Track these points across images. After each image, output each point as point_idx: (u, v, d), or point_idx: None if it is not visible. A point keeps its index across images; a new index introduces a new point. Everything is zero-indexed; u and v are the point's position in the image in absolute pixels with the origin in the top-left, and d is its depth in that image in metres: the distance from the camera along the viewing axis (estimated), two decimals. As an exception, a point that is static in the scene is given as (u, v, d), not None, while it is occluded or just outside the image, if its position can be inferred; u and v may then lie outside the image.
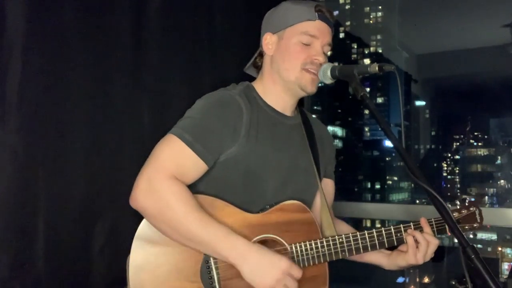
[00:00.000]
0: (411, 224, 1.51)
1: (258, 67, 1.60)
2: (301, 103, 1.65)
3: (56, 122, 1.80)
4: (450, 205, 1.61)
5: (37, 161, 1.73)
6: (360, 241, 1.46)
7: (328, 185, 1.71)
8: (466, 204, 1.61)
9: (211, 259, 1.36)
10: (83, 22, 1.89)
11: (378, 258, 1.60)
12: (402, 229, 1.51)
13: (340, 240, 1.45)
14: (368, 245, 1.47)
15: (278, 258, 1.31)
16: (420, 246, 1.47)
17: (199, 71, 2.41)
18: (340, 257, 1.46)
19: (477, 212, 1.61)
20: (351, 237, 1.46)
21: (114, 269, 1.93)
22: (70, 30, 1.84)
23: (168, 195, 1.29)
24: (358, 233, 1.47)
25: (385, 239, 1.49)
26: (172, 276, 1.35)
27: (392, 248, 1.56)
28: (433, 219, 1.54)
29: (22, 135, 1.67)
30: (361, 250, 1.47)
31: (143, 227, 1.36)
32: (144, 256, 1.35)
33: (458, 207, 1.61)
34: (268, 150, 1.46)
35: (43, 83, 1.75)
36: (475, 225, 1.62)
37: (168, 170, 1.32)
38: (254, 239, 1.39)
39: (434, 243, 1.48)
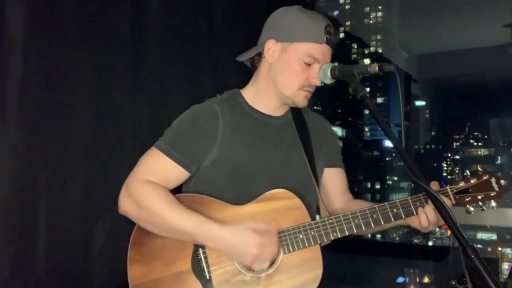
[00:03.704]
0: (421, 196, 1.46)
1: (254, 67, 1.60)
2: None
3: (57, 121, 1.80)
4: (459, 176, 1.53)
5: (37, 160, 1.73)
6: (352, 220, 1.45)
7: (336, 174, 1.71)
8: (478, 173, 1.50)
9: (200, 249, 1.42)
10: (83, 22, 1.89)
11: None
12: (399, 204, 1.46)
13: (330, 221, 1.45)
14: (362, 223, 1.45)
15: (249, 235, 1.36)
16: (431, 223, 1.44)
17: (199, 71, 2.41)
18: (332, 238, 1.45)
19: (492, 180, 1.49)
20: (341, 217, 1.45)
21: (114, 268, 1.93)
22: (70, 30, 1.84)
23: (140, 196, 1.42)
24: (349, 212, 1.46)
25: (379, 216, 1.46)
26: (166, 268, 1.43)
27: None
28: (447, 187, 1.50)
29: (22, 134, 1.67)
30: (354, 229, 1.45)
31: (136, 229, 1.48)
32: (140, 251, 1.45)
33: (467, 176, 1.51)
34: (254, 151, 1.50)
35: (43, 83, 1.75)
36: (492, 194, 1.49)
37: (143, 175, 1.44)
38: None
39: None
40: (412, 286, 2.84)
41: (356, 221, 1.45)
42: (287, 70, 1.48)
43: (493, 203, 1.51)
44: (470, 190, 1.50)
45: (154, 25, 2.20)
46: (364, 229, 1.46)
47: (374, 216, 1.46)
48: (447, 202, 1.42)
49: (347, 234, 1.46)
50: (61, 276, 1.79)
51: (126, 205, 1.44)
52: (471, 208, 1.50)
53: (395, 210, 1.46)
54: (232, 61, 1.71)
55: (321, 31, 1.46)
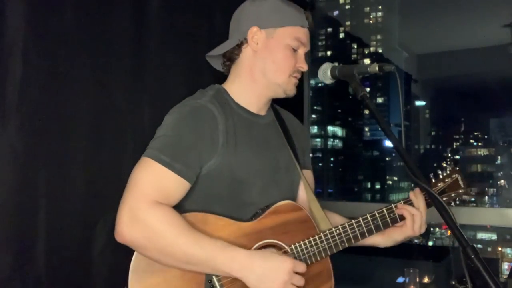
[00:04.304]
0: (401, 201, 1.52)
1: (232, 60, 1.51)
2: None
3: (57, 122, 1.80)
4: (434, 176, 1.60)
5: (37, 161, 1.73)
6: (356, 229, 1.47)
7: (307, 177, 1.67)
8: (448, 172, 1.59)
9: (214, 277, 1.31)
10: (83, 22, 1.89)
11: (373, 238, 1.55)
12: (394, 208, 1.50)
13: (338, 231, 1.45)
14: (365, 231, 1.47)
15: (281, 259, 1.31)
16: (416, 218, 1.49)
17: (199, 71, 2.41)
18: (341, 248, 1.46)
19: (459, 177, 1.59)
20: (347, 226, 1.46)
21: (115, 269, 1.93)
22: (70, 30, 1.84)
23: (153, 222, 1.24)
24: (353, 221, 1.47)
25: (379, 222, 1.49)
26: None
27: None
28: (432, 190, 1.54)
29: (22, 135, 1.67)
30: (359, 237, 1.47)
31: (137, 258, 1.30)
32: (144, 287, 1.29)
33: (441, 176, 1.59)
34: (249, 155, 1.42)
35: (43, 83, 1.75)
36: (460, 191, 1.59)
37: (149, 196, 1.25)
38: (254, 247, 1.36)
39: (425, 211, 1.50)
40: (412, 286, 2.83)
41: (361, 229, 1.47)
42: (278, 56, 1.43)
43: (457, 201, 1.59)
44: (446, 190, 1.58)
45: (154, 25, 2.20)
46: (367, 235, 1.48)
47: (375, 222, 1.48)
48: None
49: (353, 243, 1.47)
50: (61, 276, 1.79)
51: (133, 232, 1.24)
52: None
53: (392, 215, 1.50)
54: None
55: (303, 16, 1.46)
